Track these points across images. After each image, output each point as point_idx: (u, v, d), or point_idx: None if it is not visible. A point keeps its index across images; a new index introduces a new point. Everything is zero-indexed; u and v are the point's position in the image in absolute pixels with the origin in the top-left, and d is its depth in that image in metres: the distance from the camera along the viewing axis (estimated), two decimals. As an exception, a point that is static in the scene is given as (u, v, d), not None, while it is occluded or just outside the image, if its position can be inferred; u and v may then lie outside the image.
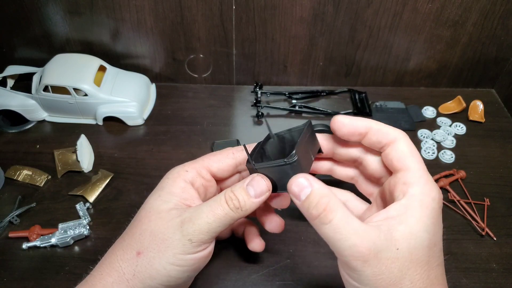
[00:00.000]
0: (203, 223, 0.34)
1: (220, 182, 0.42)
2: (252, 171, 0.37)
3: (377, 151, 0.37)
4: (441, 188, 0.56)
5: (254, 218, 0.44)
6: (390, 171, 0.36)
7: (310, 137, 0.37)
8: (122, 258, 0.35)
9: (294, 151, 0.34)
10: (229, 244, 0.49)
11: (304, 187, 0.33)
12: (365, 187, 0.40)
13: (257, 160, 0.37)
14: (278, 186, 0.36)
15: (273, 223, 0.42)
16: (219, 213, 0.34)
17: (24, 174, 0.56)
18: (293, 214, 0.52)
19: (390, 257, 0.30)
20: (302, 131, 0.36)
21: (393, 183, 0.34)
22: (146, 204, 0.37)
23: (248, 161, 0.36)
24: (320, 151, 0.38)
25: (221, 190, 0.42)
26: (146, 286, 0.34)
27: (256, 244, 0.43)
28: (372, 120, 0.36)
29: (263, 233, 0.51)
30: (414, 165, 0.34)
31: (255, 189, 0.35)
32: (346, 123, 0.36)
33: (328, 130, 0.61)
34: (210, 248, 0.36)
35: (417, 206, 0.32)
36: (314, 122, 0.63)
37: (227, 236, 0.47)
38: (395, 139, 0.35)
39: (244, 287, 0.45)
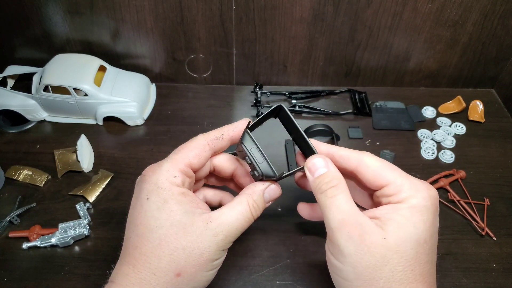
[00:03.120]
0: (234, 235, 0.36)
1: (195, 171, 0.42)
2: (241, 153, 0.39)
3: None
4: (441, 188, 0.56)
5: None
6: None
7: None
8: (158, 282, 0.33)
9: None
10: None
11: (320, 166, 0.37)
12: (360, 199, 0.42)
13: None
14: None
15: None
16: (245, 224, 0.37)
17: (24, 174, 0.56)
18: (293, 214, 0.52)
19: (374, 242, 0.32)
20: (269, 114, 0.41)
21: (379, 196, 0.37)
22: (158, 220, 0.35)
23: (241, 143, 0.38)
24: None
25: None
26: None
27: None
28: (333, 146, 0.40)
29: (263, 232, 0.51)
30: (391, 176, 0.36)
31: (271, 195, 0.39)
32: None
33: (327, 130, 0.61)
34: None
35: (405, 207, 0.34)
36: (314, 122, 0.63)
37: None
38: (359, 161, 0.38)
39: (244, 287, 0.45)
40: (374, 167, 0.37)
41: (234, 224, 0.36)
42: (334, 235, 0.33)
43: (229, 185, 0.46)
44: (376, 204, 0.38)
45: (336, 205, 0.34)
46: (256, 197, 0.38)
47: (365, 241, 0.32)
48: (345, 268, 0.33)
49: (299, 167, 0.40)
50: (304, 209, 0.45)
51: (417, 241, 0.32)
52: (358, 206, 0.43)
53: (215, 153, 0.41)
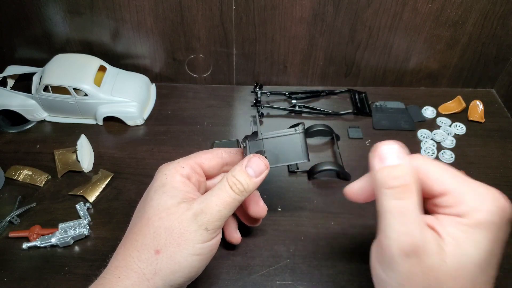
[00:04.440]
0: (215, 212, 0.36)
1: (207, 179, 0.44)
2: (246, 149, 0.41)
3: None
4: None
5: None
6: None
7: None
8: (140, 258, 0.34)
9: (302, 123, 0.40)
10: (228, 244, 0.49)
11: (393, 155, 0.30)
12: None
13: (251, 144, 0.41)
14: (281, 159, 0.41)
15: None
16: (227, 199, 0.36)
17: (24, 174, 0.56)
18: (293, 213, 0.52)
19: (432, 265, 0.28)
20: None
21: (434, 205, 0.32)
22: (151, 201, 0.37)
23: (245, 139, 0.40)
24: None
25: (206, 187, 0.44)
26: (167, 282, 0.35)
27: (234, 237, 0.46)
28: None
29: (263, 232, 0.51)
30: (452, 184, 0.31)
31: (255, 169, 0.38)
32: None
33: (327, 130, 0.61)
34: (221, 233, 0.38)
35: (467, 223, 0.29)
36: (314, 122, 0.63)
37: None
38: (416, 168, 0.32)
39: (244, 287, 0.45)
40: (433, 173, 0.31)
41: (213, 201, 0.36)
42: (389, 246, 0.29)
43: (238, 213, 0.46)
44: (430, 211, 0.33)
45: (403, 214, 0.29)
46: (235, 172, 0.37)
47: (423, 263, 0.28)
48: (391, 282, 0.30)
49: (289, 130, 0.40)
50: (356, 190, 0.37)
51: (478, 265, 0.29)
52: None
53: (228, 168, 0.43)
